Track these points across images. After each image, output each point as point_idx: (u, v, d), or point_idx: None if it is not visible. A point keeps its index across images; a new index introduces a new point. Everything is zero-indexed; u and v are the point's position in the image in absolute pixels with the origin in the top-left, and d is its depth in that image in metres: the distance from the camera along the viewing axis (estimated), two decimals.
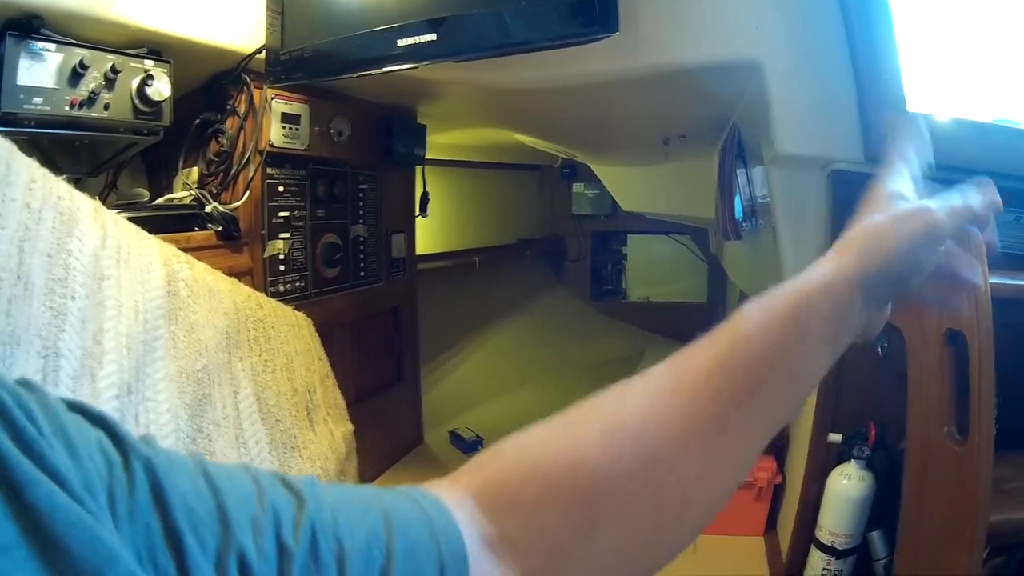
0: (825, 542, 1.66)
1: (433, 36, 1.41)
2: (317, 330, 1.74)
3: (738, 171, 1.98)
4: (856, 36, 1.60)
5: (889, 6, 1.58)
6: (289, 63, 1.57)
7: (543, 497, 0.48)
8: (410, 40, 1.43)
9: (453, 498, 0.48)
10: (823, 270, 0.53)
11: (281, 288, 1.78)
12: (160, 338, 1.11)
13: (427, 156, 2.44)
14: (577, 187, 4.40)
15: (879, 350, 1.61)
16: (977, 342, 1.22)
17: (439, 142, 2.68)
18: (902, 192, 0.58)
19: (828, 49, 1.61)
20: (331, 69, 1.57)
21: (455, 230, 3.36)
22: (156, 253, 1.19)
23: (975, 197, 0.57)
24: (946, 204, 0.55)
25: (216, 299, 1.30)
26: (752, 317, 0.51)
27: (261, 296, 1.54)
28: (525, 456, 0.50)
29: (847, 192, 1.61)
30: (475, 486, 0.49)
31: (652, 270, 4.51)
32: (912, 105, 1.62)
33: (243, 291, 1.44)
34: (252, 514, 0.38)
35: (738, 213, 2.01)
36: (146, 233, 1.19)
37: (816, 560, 1.68)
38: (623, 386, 0.51)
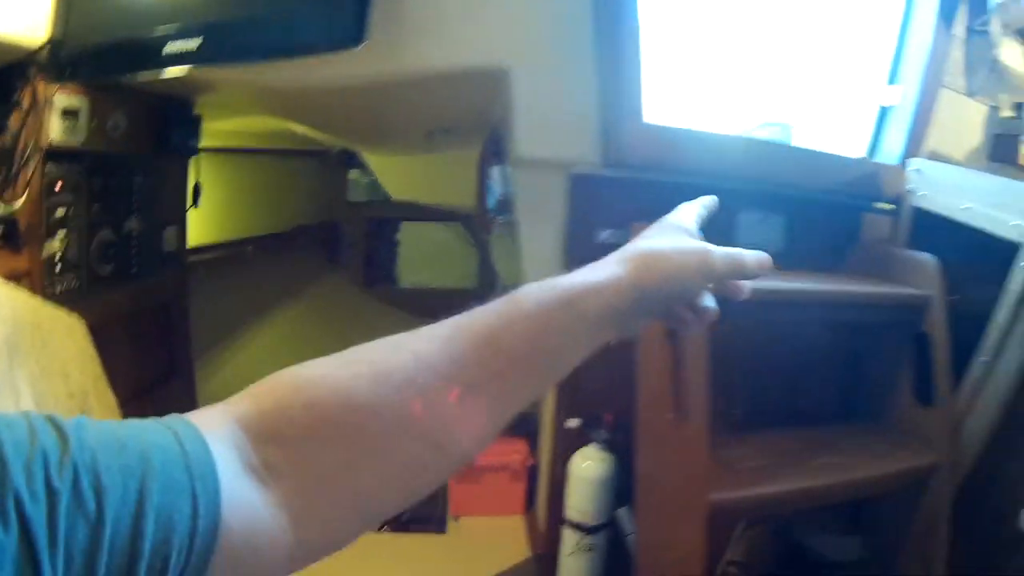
0: (574, 519, 1.80)
1: (198, 42, 1.49)
2: (93, 329, 1.71)
3: (494, 168, 2.09)
4: (603, 48, 1.71)
5: (638, 20, 1.71)
6: (70, 60, 1.58)
7: (314, 430, 0.52)
8: (177, 45, 1.50)
9: (219, 427, 0.50)
10: (603, 273, 0.61)
11: (57, 289, 1.74)
12: None
13: (203, 144, 2.42)
14: (353, 174, 4.41)
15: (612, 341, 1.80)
16: (691, 337, 1.41)
17: (215, 129, 2.64)
18: (689, 229, 0.69)
19: (575, 59, 1.72)
20: (107, 68, 1.64)
21: (230, 219, 3.30)
22: None
23: (750, 256, 0.67)
24: (724, 251, 0.66)
25: None
26: (531, 298, 0.58)
27: (36, 300, 1.52)
28: (301, 390, 0.53)
29: (585, 194, 1.77)
30: (248, 415, 0.51)
31: (424, 257, 4.59)
32: (649, 115, 1.78)
33: (20, 297, 1.43)
34: (25, 458, 0.39)
35: (492, 207, 2.11)
36: None
37: (568, 537, 1.82)
38: (402, 336, 0.57)
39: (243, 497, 0.48)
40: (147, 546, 0.41)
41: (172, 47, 1.48)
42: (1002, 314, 1.67)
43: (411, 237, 4.66)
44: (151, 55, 1.50)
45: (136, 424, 0.47)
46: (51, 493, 0.39)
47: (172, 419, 0.49)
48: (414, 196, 3.85)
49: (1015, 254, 1.64)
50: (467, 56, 1.70)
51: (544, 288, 0.59)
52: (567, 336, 0.59)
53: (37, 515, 0.38)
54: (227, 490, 0.46)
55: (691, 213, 0.72)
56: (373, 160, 3.79)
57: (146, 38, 1.51)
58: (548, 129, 1.75)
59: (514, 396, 0.58)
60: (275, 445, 0.50)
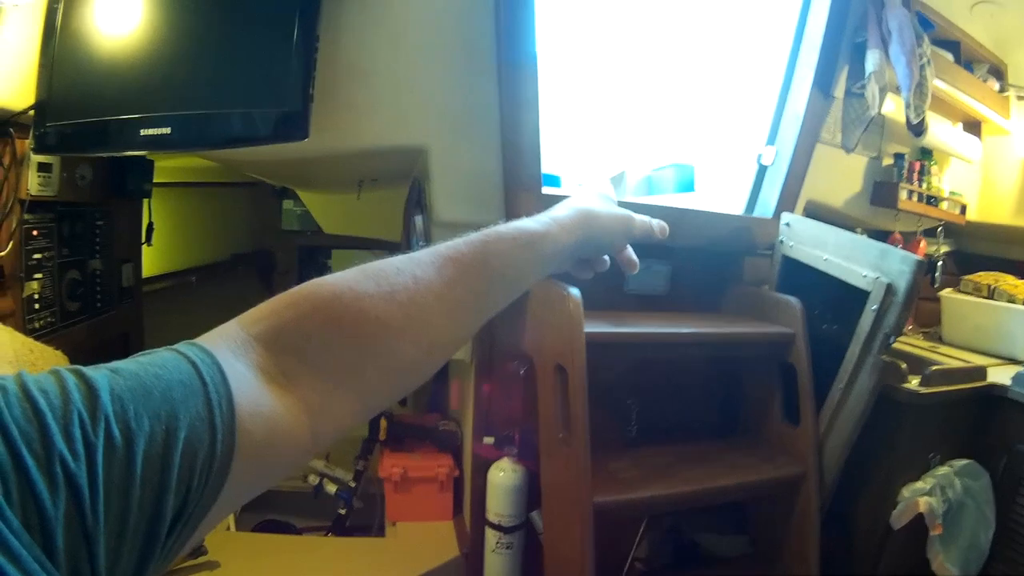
0: (494, 521, 1.99)
1: (168, 130, 1.65)
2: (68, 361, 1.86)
3: (416, 217, 2.24)
4: (507, 131, 1.91)
5: (538, 108, 1.91)
6: (51, 135, 1.73)
7: (329, 342, 0.60)
8: (151, 131, 1.65)
9: (236, 346, 0.56)
10: (556, 224, 0.79)
11: (36, 324, 1.90)
12: None
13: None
14: (287, 204, 4.47)
15: (520, 372, 1.99)
16: (572, 374, 1.60)
17: (161, 166, 2.75)
18: (614, 199, 0.92)
19: (484, 138, 1.93)
20: (85, 146, 1.78)
21: (175, 250, 3.39)
22: None
23: (656, 223, 0.92)
24: (640, 218, 0.89)
25: (1, 350, 1.47)
26: (504, 238, 0.74)
27: (30, 340, 1.68)
28: (318, 309, 0.61)
29: None
30: (268, 332, 0.58)
31: None
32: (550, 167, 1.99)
33: (18, 339, 1.59)
34: (63, 421, 0.42)
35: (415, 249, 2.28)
36: None
37: (490, 536, 2.01)
38: (400, 260, 0.67)
39: (264, 405, 0.54)
40: (174, 477, 0.46)
41: (147, 132, 1.64)
42: (855, 347, 1.91)
43: (342, 263, 4.47)
44: (129, 138, 1.66)
45: (158, 362, 0.50)
46: (88, 446, 0.42)
47: (190, 348, 0.53)
48: (345, 230, 4.01)
49: (865, 299, 1.89)
50: (392, 137, 1.92)
51: (512, 229, 0.75)
52: (527, 269, 0.76)
53: (79, 470, 0.41)
54: (248, 404, 0.52)
55: (610, 188, 0.96)
56: (306, 196, 3.95)
57: (123, 121, 1.66)
58: (461, 196, 1.97)
59: (484, 312, 0.73)
60: (295, 356, 0.58)
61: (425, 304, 0.66)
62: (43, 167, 1.88)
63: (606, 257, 0.89)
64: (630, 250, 0.91)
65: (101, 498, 0.42)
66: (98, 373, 0.47)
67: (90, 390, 0.44)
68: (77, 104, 1.72)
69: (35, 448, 0.40)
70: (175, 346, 0.54)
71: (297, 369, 0.58)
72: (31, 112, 1.75)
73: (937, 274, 3.09)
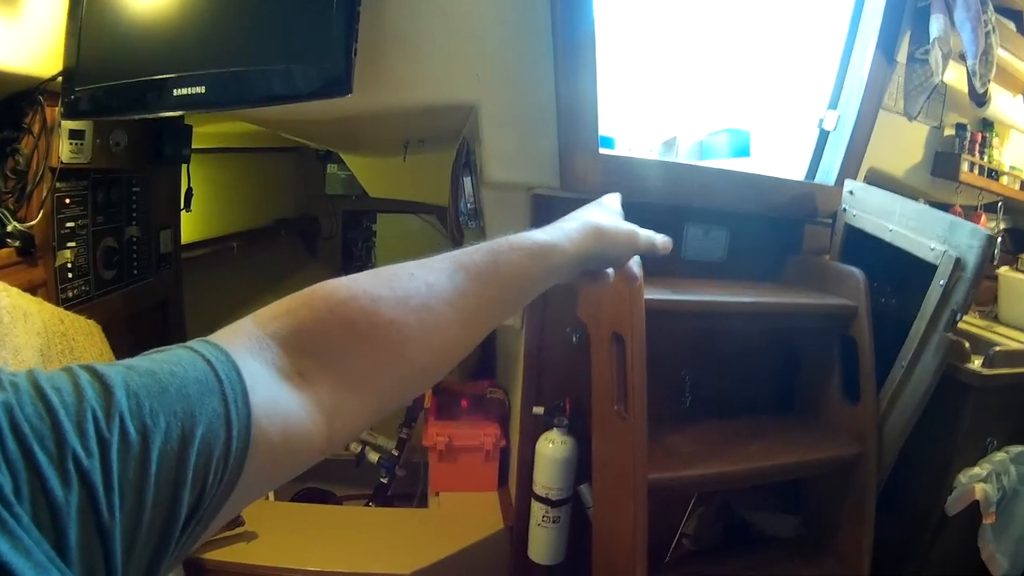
0: (540, 494, 1.97)
1: (203, 89, 1.59)
2: (102, 329, 1.84)
3: (464, 178, 2.19)
4: (562, 86, 1.85)
5: (595, 62, 1.85)
6: (81, 100, 1.68)
7: (346, 344, 0.61)
8: (184, 90, 1.59)
9: (252, 345, 0.57)
10: (565, 236, 0.79)
11: (70, 294, 1.88)
12: None
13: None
14: (331, 168, 4.44)
15: (574, 339, 1.95)
16: (631, 343, 1.56)
17: (199, 132, 2.71)
18: (620, 213, 0.91)
19: (537, 94, 1.87)
20: (116, 109, 1.71)
21: (215, 216, 3.38)
22: None
23: (659, 238, 0.90)
24: (645, 232, 0.88)
25: (30, 321, 1.44)
26: (514, 248, 0.74)
27: (61, 311, 1.66)
28: (335, 311, 0.62)
29: (546, 211, 1.92)
30: (284, 332, 0.59)
31: (400, 247, 4.53)
32: (606, 128, 1.93)
33: (48, 309, 1.57)
34: (76, 418, 0.42)
35: (462, 214, 2.23)
36: None
37: (536, 509, 1.98)
38: (413, 266, 0.68)
39: (281, 404, 0.56)
40: (189, 474, 0.46)
41: (180, 92, 1.59)
42: (920, 324, 1.83)
43: (387, 228, 4.73)
44: (162, 99, 1.61)
45: (173, 359, 0.51)
46: (102, 443, 0.42)
47: (204, 346, 0.54)
48: (390, 194, 3.99)
49: (932, 273, 1.80)
50: (440, 94, 1.86)
51: (522, 240, 0.76)
52: (536, 279, 0.76)
53: (93, 467, 0.41)
54: (264, 401, 0.53)
55: (616, 201, 0.94)
56: (350, 160, 3.90)
57: (155, 82, 1.61)
58: (513, 157, 1.91)
59: (493, 320, 0.74)
60: (312, 357, 0.59)
61: (438, 310, 0.67)
62: (75, 134, 1.83)
63: (610, 270, 0.90)
64: (633, 263, 0.93)
65: (116, 494, 0.42)
66: (112, 370, 0.47)
67: (104, 387, 0.45)
68: (107, 67, 1.67)
69: (47, 445, 0.40)
70: (189, 343, 0.54)
71: (313, 369, 0.59)
72: (59, 79, 1.72)
73: (996, 251, 2.96)
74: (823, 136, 2.40)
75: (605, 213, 0.90)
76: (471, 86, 1.85)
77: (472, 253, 0.72)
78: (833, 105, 2.38)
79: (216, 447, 0.49)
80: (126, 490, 0.43)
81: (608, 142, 2.21)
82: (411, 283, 0.66)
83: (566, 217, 0.86)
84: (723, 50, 2.52)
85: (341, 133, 2.78)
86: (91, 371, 0.46)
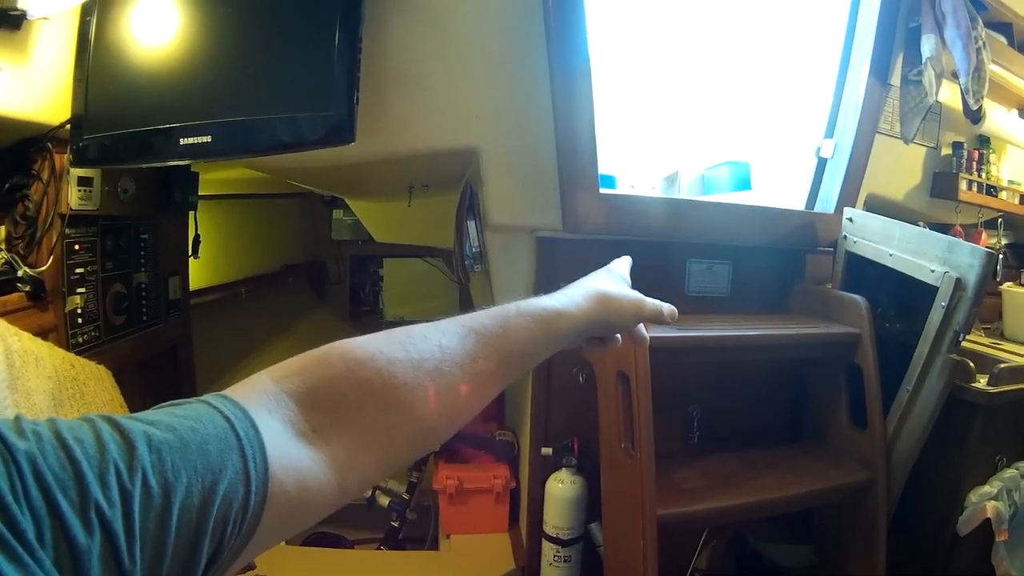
0: (551, 534, 1.96)
1: (208, 138, 1.62)
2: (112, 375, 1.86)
3: (468, 222, 2.23)
4: (561, 126, 1.87)
5: (593, 108, 1.87)
6: (88, 148, 1.71)
7: (360, 403, 0.63)
8: (190, 140, 1.62)
9: (267, 401, 0.59)
10: (571, 303, 0.83)
11: (80, 339, 1.88)
12: (8, 407, 1.27)
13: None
14: (337, 213, 4.47)
15: (580, 379, 1.94)
16: (635, 382, 1.57)
17: (206, 179, 2.71)
18: (627, 279, 0.95)
19: (537, 136, 1.89)
20: (124, 158, 1.75)
21: (223, 262, 3.39)
22: None
23: (666, 307, 0.93)
24: (651, 302, 0.91)
25: (41, 366, 1.45)
26: (522, 315, 0.77)
27: (72, 356, 1.67)
28: (351, 370, 0.64)
29: (549, 252, 1.94)
30: (299, 389, 0.61)
31: (407, 290, 4.62)
32: (605, 166, 1.94)
33: (58, 353, 1.58)
34: (99, 470, 0.43)
35: (467, 257, 2.27)
36: None
37: (547, 549, 1.98)
38: (425, 328, 0.71)
39: (296, 460, 0.57)
40: (209, 527, 0.48)
41: (186, 141, 1.62)
42: (923, 346, 1.84)
43: (394, 272, 4.73)
44: (168, 147, 1.64)
45: (192, 415, 0.52)
46: (124, 495, 0.44)
47: (223, 402, 0.56)
48: (396, 238, 3.97)
49: (931, 295, 1.81)
50: (442, 139, 1.89)
51: (530, 306, 0.79)
52: (542, 345, 0.79)
53: (115, 517, 0.43)
54: (280, 457, 0.55)
55: (625, 267, 0.98)
56: (356, 205, 3.92)
57: (162, 131, 1.64)
58: (515, 200, 1.94)
59: (500, 383, 0.76)
60: (325, 415, 0.61)
61: (450, 374, 0.69)
62: (83, 181, 1.86)
63: (618, 336, 0.92)
64: (640, 328, 0.95)
65: (137, 542, 0.43)
66: (133, 424, 0.48)
67: (126, 441, 0.46)
68: (114, 116, 1.71)
69: (70, 494, 0.42)
70: (207, 398, 0.56)
71: (327, 426, 0.61)
72: (68, 127, 1.75)
73: (998, 267, 2.96)
74: (821, 164, 2.41)
75: (613, 280, 0.93)
76: (472, 130, 1.87)
77: (482, 317, 0.75)
78: (830, 133, 2.40)
79: (235, 501, 0.50)
80: (147, 541, 0.44)
81: (610, 180, 2.23)
82: (424, 345, 0.69)
83: (574, 283, 0.89)
84: (719, 83, 2.56)
85: (346, 179, 2.81)
86: (112, 423, 0.48)
